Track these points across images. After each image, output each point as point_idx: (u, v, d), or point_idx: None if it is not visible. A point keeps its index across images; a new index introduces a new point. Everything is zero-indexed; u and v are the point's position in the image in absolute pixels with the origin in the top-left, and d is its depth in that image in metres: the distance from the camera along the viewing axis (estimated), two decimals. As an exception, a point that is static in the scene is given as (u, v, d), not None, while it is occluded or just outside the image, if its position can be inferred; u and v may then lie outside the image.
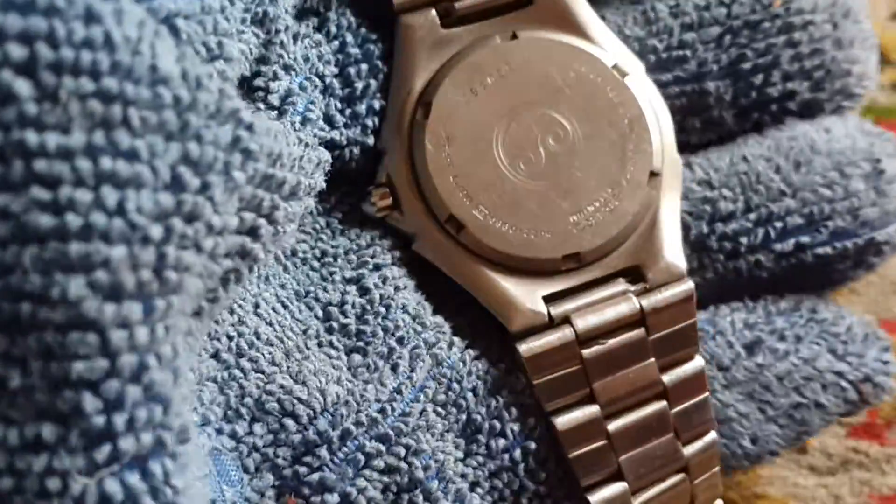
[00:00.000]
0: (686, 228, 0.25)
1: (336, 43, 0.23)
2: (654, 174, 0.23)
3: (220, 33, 0.18)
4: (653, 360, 0.23)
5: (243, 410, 0.20)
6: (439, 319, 0.23)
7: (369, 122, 0.23)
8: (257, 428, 0.20)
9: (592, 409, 0.22)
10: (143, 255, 0.14)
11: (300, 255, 0.23)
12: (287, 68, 0.21)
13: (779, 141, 0.26)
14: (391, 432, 0.21)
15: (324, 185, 0.21)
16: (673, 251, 0.23)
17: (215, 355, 0.21)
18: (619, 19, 0.26)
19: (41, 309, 0.13)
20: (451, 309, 0.24)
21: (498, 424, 0.22)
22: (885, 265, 0.34)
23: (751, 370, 0.24)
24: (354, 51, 0.23)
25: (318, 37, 0.23)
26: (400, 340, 0.22)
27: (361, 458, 0.20)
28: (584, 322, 0.22)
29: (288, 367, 0.21)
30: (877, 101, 0.39)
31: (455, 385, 0.22)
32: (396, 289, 0.23)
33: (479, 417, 0.22)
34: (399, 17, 0.24)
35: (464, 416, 0.22)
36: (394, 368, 0.22)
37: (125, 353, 0.14)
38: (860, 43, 0.27)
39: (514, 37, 0.24)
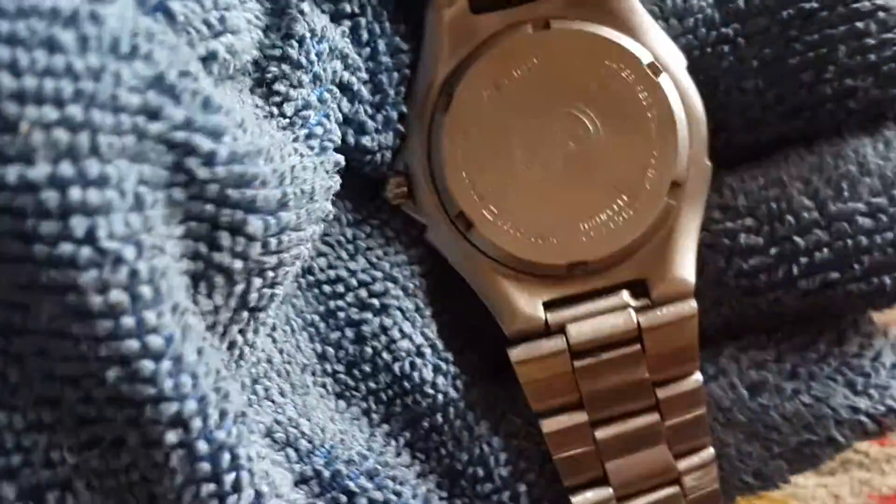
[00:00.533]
0: (702, 263, 0.23)
1: (368, 50, 0.22)
2: (676, 184, 0.22)
3: (220, 7, 0.18)
4: (647, 376, 0.22)
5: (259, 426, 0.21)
6: (444, 363, 0.23)
7: (401, 128, 0.23)
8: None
9: (580, 416, 0.22)
10: (114, 278, 0.15)
11: (315, 273, 0.23)
12: (315, 78, 0.21)
13: (823, 159, 0.23)
14: (380, 469, 0.22)
15: (329, 208, 0.21)
16: (683, 267, 0.22)
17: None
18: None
19: (27, 319, 0.15)
20: (459, 302, 0.24)
21: (481, 471, 0.23)
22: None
23: (754, 410, 0.24)
24: (385, 59, 0.23)
25: (345, 43, 0.22)
26: (378, 398, 0.23)
27: (346, 497, 0.21)
28: (578, 333, 0.22)
29: (293, 401, 0.22)
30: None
31: (435, 436, 0.23)
32: (402, 333, 0.23)
33: (459, 466, 0.23)
34: (428, 1, 0.23)
35: (447, 461, 0.23)
36: (371, 423, 0.23)
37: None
38: None
39: (547, 26, 0.23)
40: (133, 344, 0.15)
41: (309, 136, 0.20)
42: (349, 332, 0.23)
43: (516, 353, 0.22)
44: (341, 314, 0.23)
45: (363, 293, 0.23)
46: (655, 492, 0.23)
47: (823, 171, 0.23)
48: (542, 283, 0.22)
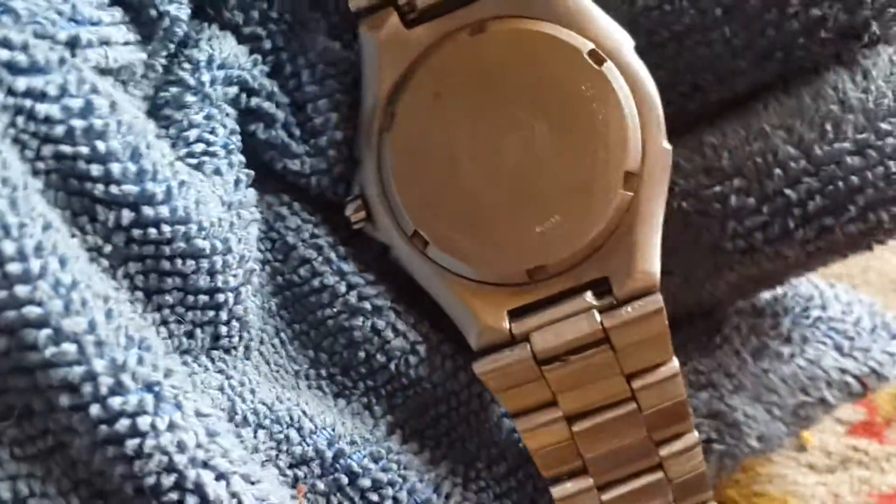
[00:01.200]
0: (697, 232, 0.23)
1: (293, 81, 0.23)
2: (630, 174, 0.22)
3: (69, 1, 0.19)
4: (620, 374, 0.22)
5: (250, 417, 0.21)
6: (440, 357, 0.23)
7: (332, 153, 0.23)
8: (261, 434, 0.21)
9: (555, 412, 0.22)
10: None
11: (300, 285, 0.23)
12: (205, 98, 0.22)
13: (802, 101, 0.23)
14: (383, 450, 0.22)
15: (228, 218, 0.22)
16: (646, 260, 0.22)
17: (221, 388, 0.21)
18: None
19: None
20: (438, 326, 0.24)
21: (495, 451, 0.23)
22: (885, 264, 0.34)
23: (756, 375, 0.25)
24: (312, 88, 0.23)
25: (257, 72, 0.23)
26: (378, 394, 0.23)
27: (348, 476, 0.22)
28: (542, 341, 0.22)
29: (288, 398, 0.22)
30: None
31: (444, 421, 0.23)
32: (395, 332, 0.23)
33: (472, 448, 0.23)
34: (358, 25, 0.23)
35: (458, 445, 0.23)
36: (373, 415, 0.23)
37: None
38: None
39: (481, 30, 0.22)
40: (11, 314, 0.17)
41: (190, 154, 0.21)
42: (341, 339, 0.23)
43: (480, 366, 0.22)
44: (330, 322, 0.23)
45: (352, 298, 0.23)
46: (637, 479, 0.23)
47: (805, 114, 0.23)
48: (504, 293, 0.22)
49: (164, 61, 0.22)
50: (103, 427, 0.17)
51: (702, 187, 0.23)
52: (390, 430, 0.23)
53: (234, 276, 0.21)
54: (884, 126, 0.22)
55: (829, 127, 0.22)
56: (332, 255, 0.23)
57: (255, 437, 0.21)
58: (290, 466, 0.21)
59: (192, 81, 0.22)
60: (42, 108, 0.18)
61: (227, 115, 0.22)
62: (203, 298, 0.21)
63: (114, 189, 0.19)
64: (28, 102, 0.18)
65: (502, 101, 0.22)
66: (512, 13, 0.22)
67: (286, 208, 0.24)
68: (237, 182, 0.22)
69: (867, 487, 0.29)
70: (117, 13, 0.20)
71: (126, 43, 0.20)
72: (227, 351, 0.22)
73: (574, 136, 0.22)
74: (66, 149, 0.18)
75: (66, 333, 0.17)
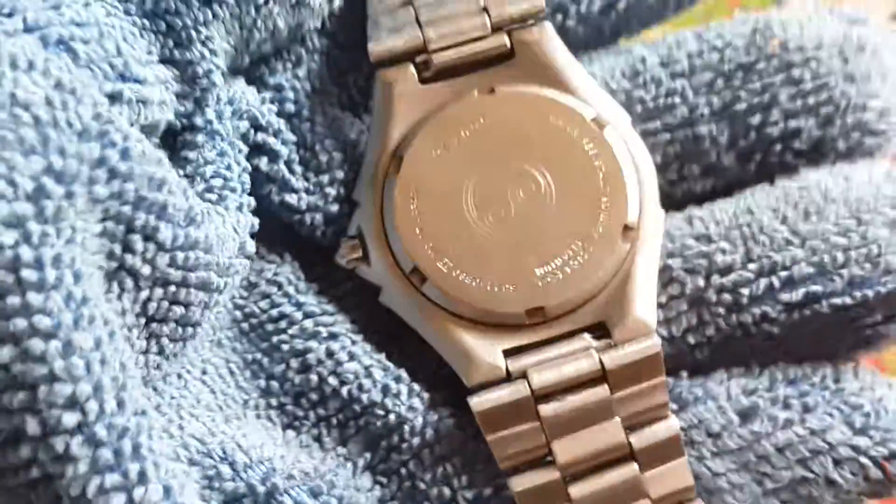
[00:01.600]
0: (681, 284, 0.24)
1: (306, 125, 0.24)
2: (628, 228, 0.23)
3: (123, 55, 0.20)
4: (618, 419, 0.22)
5: (181, 452, 0.21)
6: (395, 382, 0.23)
7: (331, 191, 0.24)
8: (193, 472, 0.21)
9: (552, 474, 0.22)
10: None
11: (258, 316, 0.24)
12: (215, 134, 0.22)
13: (788, 190, 0.24)
14: (324, 485, 0.21)
15: (249, 249, 0.22)
16: (643, 307, 0.22)
17: (157, 407, 0.21)
18: (606, 74, 0.26)
19: None
20: (418, 362, 0.24)
21: (447, 492, 0.22)
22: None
23: (745, 438, 0.23)
24: (321, 129, 0.24)
25: (266, 109, 0.23)
26: (329, 423, 0.23)
27: None
28: (540, 377, 0.22)
29: (228, 427, 0.22)
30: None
31: (395, 455, 0.22)
32: (350, 356, 0.23)
33: (423, 485, 0.22)
34: (377, 73, 0.24)
35: (408, 483, 0.22)
36: (323, 447, 0.23)
37: None
38: (879, 76, 0.25)
39: (492, 91, 0.24)
40: (21, 322, 0.16)
41: (209, 189, 0.22)
42: (294, 363, 0.23)
43: (477, 402, 0.22)
44: (285, 346, 0.23)
45: (309, 324, 0.23)
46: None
47: (789, 199, 0.24)
48: (501, 333, 0.22)
49: (185, 121, 0.22)
50: (104, 451, 0.17)
51: (688, 248, 0.24)
52: (339, 463, 0.22)
53: (214, 315, 0.22)
54: (865, 216, 0.23)
55: (812, 210, 0.24)
56: (291, 290, 0.24)
57: (186, 472, 0.20)
58: (224, 502, 0.21)
59: (199, 121, 0.22)
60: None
61: (240, 150, 0.23)
62: (189, 331, 0.21)
63: (176, 202, 0.19)
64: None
65: (509, 153, 0.23)
66: (520, 81, 0.24)
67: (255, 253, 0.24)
68: (253, 226, 0.23)
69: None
70: (161, 72, 0.21)
71: (161, 103, 0.21)
72: (164, 379, 0.22)
73: (577, 188, 0.23)
74: (146, 148, 0.19)
75: (74, 347, 0.17)
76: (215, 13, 0.21)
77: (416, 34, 0.24)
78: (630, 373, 0.22)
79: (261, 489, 0.21)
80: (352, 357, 0.23)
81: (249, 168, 0.23)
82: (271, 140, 0.23)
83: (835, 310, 0.23)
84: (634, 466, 0.22)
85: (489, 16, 0.24)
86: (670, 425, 0.22)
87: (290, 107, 0.24)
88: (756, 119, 0.25)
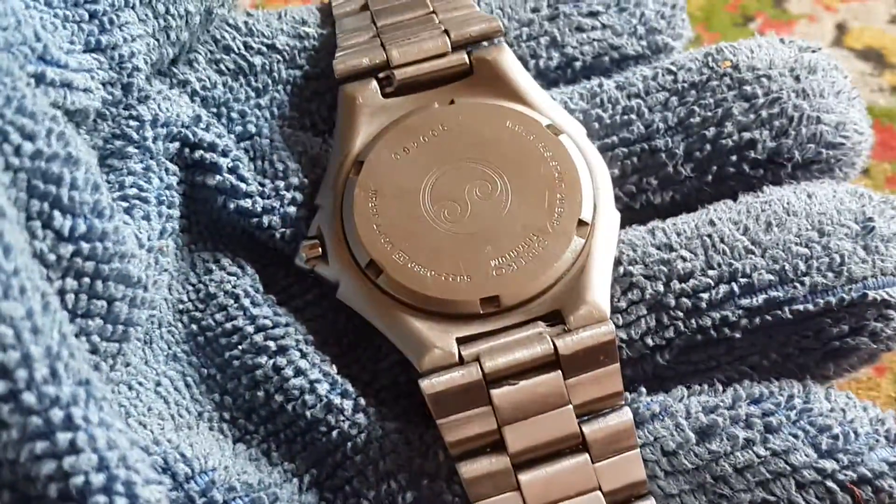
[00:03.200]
0: (641, 290, 0.24)
1: (266, 141, 0.26)
2: (582, 223, 0.23)
3: (43, 40, 0.21)
4: (570, 407, 0.21)
5: None
6: (340, 398, 0.23)
7: (287, 194, 0.25)
8: None
9: (502, 460, 0.21)
10: None
11: (213, 329, 0.24)
12: (146, 151, 0.24)
13: (750, 205, 0.25)
14: (266, 498, 0.21)
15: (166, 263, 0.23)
16: (598, 295, 0.22)
17: None
18: (565, 96, 0.27)
19: None
20: (373, 373, 0.24)
21: None
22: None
23: (702, 457, 0.22)
24: (279, 143, 0.26)
25: (206, 124, 0.25)
26: (278, 439, 0.23)
27: None
28: (493, 362, 0.21)
29: (178, 435, 0.22)
30: (877, 104, 0.39)
31: (340, 472, 0.22)
32: (297, 371, 0.23)
33: (367, 503, 0.22)
34: (341, 87, 0.25)
35: (353, 501, 0.22)
36: (271, 462, 0.23)
37: None
38: (832, 94, 0.26)
39: (451, 103, 0.25)
40: None
41: (123, 197, 0.23)
42: (244, 379, 0.23)
43: (428, 384, 0.21)
44: (236, 362, 0.24)
45: (259, 338, 0.24)
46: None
47: (751, 212, 0.24)
48: (455, 322, 0.22)
49: (115, 111, 0.24)
50: (34, 419, 0.17)
51: (649, 256, 0.24)
52: (286, 478, 0.22)
53: (146, 314, 0.22)
54: (827, 228, 0.23)
55: (773, 221, 0.24)
56: (247, 303, 0.24)
57: None
58: None
59: (135, 136, 0.24)
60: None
61: (167, 170, 0.24)
62: (119, 329, 0.21)
63: (76, 196, 0.20)
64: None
65: (466, 157, 0.24)
66: (480, 94, 0.25)
67: (216, 264, 0.25)
68: (162, 231, 0.23)
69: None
70: (86, 61, 0.22)
71: (86, 90, 0.22)
72: (113, 383, 0.22)
73: (532, 186, 0.24)
74: (45, 148, 0.19)
75: (2, 316, 0.17)
76: (127, 1, 0.23)
77: (379, 54, 0.25)
78: (583, 358, 0.21)
79: (200, 501, 0.21)
80: (298, 372, 0.23)
81: (174, 186, 0.24)
82: (208, 155, 0.25)
83: (798, 317, 0.23)
84: (586, 457, 0.21)
85: (449, 37, 0.25)
86: (623, 416, 0.22)
87: (252, 128, 0.25)
88: (711, 132, 0.25)
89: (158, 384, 0.23)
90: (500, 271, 0.23)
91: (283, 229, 0.25)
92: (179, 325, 0.24)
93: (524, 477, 0.21)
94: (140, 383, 0.23)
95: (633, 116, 0.26)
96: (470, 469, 0.21)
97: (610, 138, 0.26)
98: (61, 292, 0.20)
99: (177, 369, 0.24)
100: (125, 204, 0.23)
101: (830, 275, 0.23)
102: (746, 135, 0.25)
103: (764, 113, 0.25)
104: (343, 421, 0.23)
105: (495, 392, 0.21)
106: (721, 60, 0.26)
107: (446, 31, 0.26)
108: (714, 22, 0.43)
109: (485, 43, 0.26)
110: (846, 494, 0.21)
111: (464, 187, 0.24)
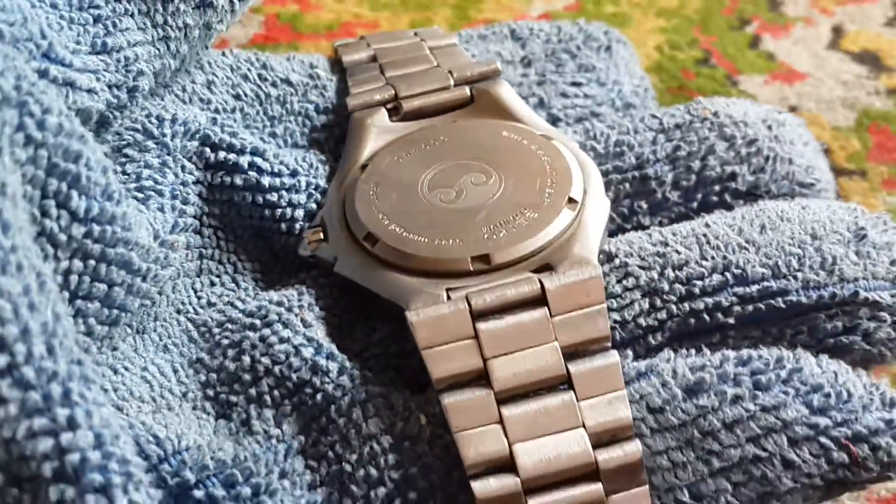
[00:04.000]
0: (636, 278, 0.24)
1: (279, 157, 0.27)
2: (572, 200, 0.24)
3: (48, 38, 0.21)
4: (556, 344, 0.21)
5: None
6: (325, 359, 0.23)
7: (314, 193, 0.27)
8: None
9: (486, 392, 0.21)
10: None
11: (209, 326, 0.25)
12: (163, 147, 0.25)
13: (744, 212, 0.26)
14: (239, 475, 0.21)
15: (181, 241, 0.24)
16: (586, 250, 0.23)
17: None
18: (560, 131, 0.29)
19: None
20: (362, 339, 0.25)
21: (374, 472, 0.21)
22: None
23: (689, 413, 0.21)
24: (292, 155, 0.27)
25: (220, 131, 0.26)
26: (263, 402, 0.23)
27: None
28: (480, 298, 0.22)
29: (154, 417, 0.22)
30: (873, 106, 0.39)
31: (324, 438, 0.22)
32: (281, 339, 0.23)
33: (349, 468, 0.22)
34: (351, 116, 0.28)
35: (335, 467, 0.22)
36: (252, 431, 0.22)
37: None
38: (801, 144, 0.28)
39: (453, 122, 0.28)
40: None
41: (139, 189, 0.24)
42: (230, 352, 0.24)
43: (414, 314, 0.22)
44: (225, 341, 0.24)
45: (247, 320, 0.24)
46: (573, 486, 0.21)
47: (746, 217, 0.26)
48: (446, 279, 0.23)
49: (120, 116, 0.24)
50: (33, 393, 0.17)
51: (644, 251, 0.25)
52: (268, 447, 0.22)
53: (140, 302, 0.23)
54: (820, 233, 0.24)
55: (767, 224, 0.25)
56: (238, 300, 0.25)
57: None
58: None
59: (156, 132, 0.25)
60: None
61: (183, 167, 0.25)
62: (114, 314, 0.22)
63: (91, 176, 0.20)
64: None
65: (464, 157, 0.26)
66: (480, 117, 0.28)
67: (217, 279, 0.26)
68: (175, 225, 0.24)
69: (865, 491, 0.29)
70: (92, 62, 0.23)
71: (90, 91, 0.23)
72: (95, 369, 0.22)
73: (525, 176, 0.25)
74: (66, 123, 0.19)
75: (2, 291, 0.17)
76: (127, 9, 0.24)
77: (388, 91, 0.29)
78: (569, 295, 0.22)
79: (172, 481, 0.21)
80: (282, 340, 0.23)
81: (192, 182, 0.25)
82: (230, 156, 0.26)
83: (791, 307, 0.23)
84: (571, 395, 0.21)
85: (452, 76, 0.29)
86: (609, 358, 0.21)
87: (268, 153, 0.27)
88: (696, 164, 0.27)
89: (145, 369, 0.23)
90: (492, 236, 0.24)
91: (306, 223, 0.26)
92: (175, 322, 0.25)
93: (507, 411, 0.21)
94: (126, 368, 0.23)
95: (625, 148, 0.28)
96: (453, 400, 0.21)
97: (604, 166, 0.27)
98: (66, 273, 0.20)
99: (166, 358, 0.24)
100: (140, 195, 0.23)
101: (822, 273, 0.24)
102: (728, 168, 0.27)
103: (743, 151, 0.27)
104: (328, 383, 0.23)
105: (481, 325, 0.21)
106: (701, 109, 0.29)
107: (450, 72, 0.29)
108: (710, 25, 0.43)
109: (486, 79, 0.29)
110: (842, 453, 0.21)
111: (460, 176, 0.25)
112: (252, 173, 0.26)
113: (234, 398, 0.23)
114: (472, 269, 0.23)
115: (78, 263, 0.20)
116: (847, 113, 0.39)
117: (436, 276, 0.23)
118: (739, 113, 0.28)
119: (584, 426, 0.21)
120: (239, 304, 0.25)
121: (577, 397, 0.21)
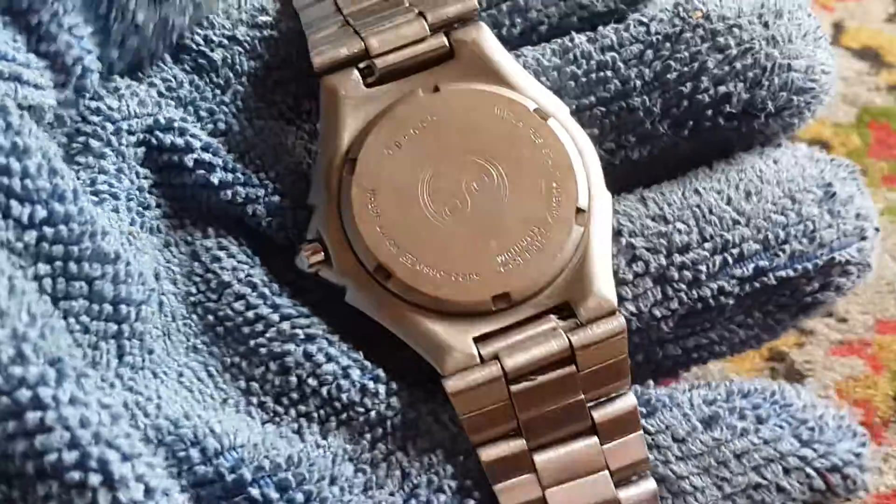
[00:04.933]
0: (645, 263, 0.25)
1: (238, 136, 0.26)
2: (580, 210, 0.24)
3: None
4: (581, 396, 0.23)
5: (151, 433, 0.21)
6: (373, 382, 0.23)
7: (268, 183, 0.25)
8: (161, 451, 0.21)
9: (519, 444, 0.23)
10: None
11: (233, 318, 0.24)
12: (118, 153, 0.24)
13: (727, 174, 0.26)
14: (293, 480, 0.21)
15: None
16: (604, 285, 0.23)
17: (124, 404, 0.21)
18: (538, 53, 0.27)
19: None
20: (391, 357, 0.24)
21: (435, 479, 0.23)
22: (882, 266, 0.34)
23: (707, 444, 0.24)
24: (250, 136, 0.26)
25: (167, 131, 0.25)
26: (311, 418, 0.23)
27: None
28: (512, 361, 0.22)
29: (205, 412, 0.22)
30: (873, 103, 0.39)
31: (381, 445, 0.23)
32: (328, 357, 0.23)
33: (413, 472, 0.23)
34: (321, 80, 0.25)
35: (397, 472, 0.23)
36: (303, 439, 0.23)
37: None
38: (800, 37, 0.26)
39: (437, 89, 0.25)
40: None
41: (95, 192, 0.23)
42: (273, 366, 0.23)
43: (452, 384, 0.22)
44: (263, 350, 0.24)
45: (286, 326, 0.24)
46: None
47: (730, 181, 0.26)
48: (469, 321, 0.23)
49: (74, 114, 0.24)
50: (3, 399, 0.17)
51: (647, 228, 0.25)
52: (319, 455, 0.23)
53: (136, 289, 0.22)
54: (797, 195, 0.26)
55: (752, 189, 0.26)
56: (267, 291, 0.24)
57: (154, 454, 0.21)
58: (193, 485, 0.21)
59: (104, 136, 0.24)
60: None
61: (137, 174, 0.24)
62: (108, 308, 0.21)
63: (30, 183, 0.20)
64: None
65: (459, 149, 0.24)
66: (462, 78, 0.25)
67: (224, 252, 0.25)
68: (132, 222, 0.24)
69: (865, 489, 0.29)
70: (32, 60, 0.22)
71: (37, 86, 0.22)
72: (133, 369, 0.22)
73: (527, 176, 0.24)
74: None
75: None
76: (65, 7, 0.23)
77: (356, 42, 0.25)
78: (597, 352, 0.23)
79: (229, 477, 0.21)
80: (329, 358, 0.23)
81: (147, 187, 0.24)
82: (175, 157, 0.25)
83: (780, 282, 0.25)
84: (595, 439, 0.23)
85: (426, 20, 0.25)
86: (628, 401, 0.23)
87: (222, 126, 0.26)
88: (687, 87, 0.26)
89: (181, 375, 0.23)
90: (507, 267, 0.23)
91: (270, 218, 0.25)
92: (194, 316, 0.24)
93: (539, 458, 0.23)
94: (165, 373, 0.23)
95: (609, 73, 0.26)
96: (489, 453, 0.23)
97: (587, 98, 0.26)
98: (37, 278, 0.20)
99: (198, 360, 0.24)
100: (95, 198, 0.23)
101: (805, 241, 0.25)
102: (722, 89, 0.26)
103: (738, 64, 0.26)
104: (379, 403, 0.23)
105: (515, 388, 0.22)
106: (692, 10, 0.27)
107: (421, 14, 0.25)
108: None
109: (463, 21, 0.26)
110: (821, 480, 0.24)
111: (461, 181, 0.24)
112: (201, 171, 0.25)
113: (280, 409, 0.23)
114: (493, 308, 0.23)
115: (44, 267, 0.20)
116: (847, 109, 0.39)
117: (458, 316, 0.23)
118: (732, 10, 0.26)
119: (607, 468, 0.23)
120: (266, 292, 0.24)
121: (600, 441, 0.23)
